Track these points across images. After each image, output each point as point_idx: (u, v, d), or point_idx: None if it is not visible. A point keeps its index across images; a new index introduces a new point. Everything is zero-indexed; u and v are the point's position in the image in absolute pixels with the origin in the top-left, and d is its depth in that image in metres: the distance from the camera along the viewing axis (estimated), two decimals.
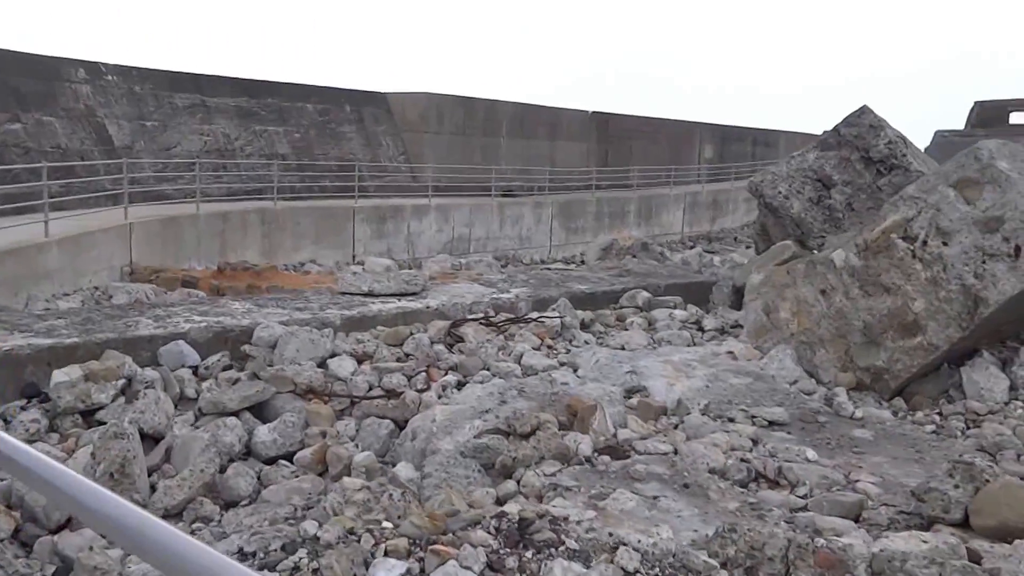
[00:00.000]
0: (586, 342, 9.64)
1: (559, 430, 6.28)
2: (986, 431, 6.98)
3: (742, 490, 5.36)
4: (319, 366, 8.16)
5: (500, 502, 5.28)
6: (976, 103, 47.72)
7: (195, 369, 8.15)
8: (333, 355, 8.40)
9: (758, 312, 9.50)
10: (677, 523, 4.74)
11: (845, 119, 12.82)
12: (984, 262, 7.94)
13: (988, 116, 46.15)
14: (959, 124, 47.53)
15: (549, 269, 14.21)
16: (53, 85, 19.74)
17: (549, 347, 9.28)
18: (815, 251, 12.15)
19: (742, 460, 5.84)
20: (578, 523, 4.64)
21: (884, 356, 8.22)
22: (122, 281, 14.44)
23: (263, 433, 6.99)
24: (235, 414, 7.24)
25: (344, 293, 10.54)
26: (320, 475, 6.57)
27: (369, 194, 23.04)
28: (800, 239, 12.64)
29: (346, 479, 5.96)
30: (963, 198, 8.17)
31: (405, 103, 27.68)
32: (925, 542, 4.53)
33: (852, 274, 8.66)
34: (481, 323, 9.46)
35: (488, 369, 8.29)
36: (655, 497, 5.17)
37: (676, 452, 6.12)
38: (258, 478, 6.45)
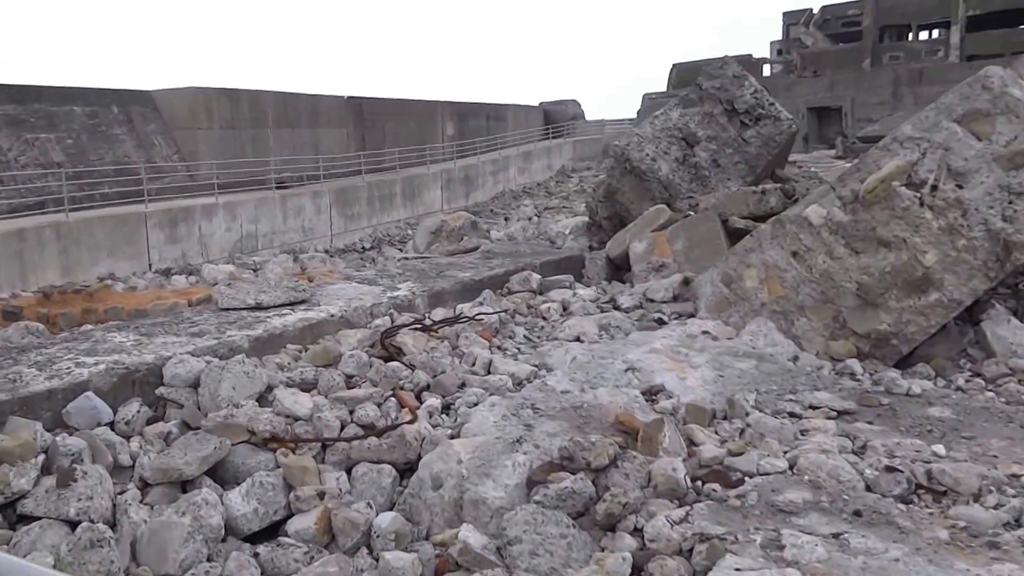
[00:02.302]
0: (526, 337, 8.27)
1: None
2: None
3: (928, 509, 4.27)
4: (260, 404, 6.39)
5: (638, 568, 3.93)
6: (674, 65, 49.60)
7: (111, 425, 6.17)
8: (270, 388, 6.63)
9: (716, 284, 8.29)
10: (904, 571, 3.60)
11: (705, 72, 11.91)
12: (1012, 202, 6.86)
13: (686, 76, 48.03)
14: (661, 87, 49.10)
15: (406, 260, 12.62)
16: None
17: (499, 348, 7.85)
18: (691, 212, 11.27)
19: (888, 469, 4.75)
20: None
21: (889, 319, 7.11)
22: None
23: (237, 502, 5.19)
24: (192, 481, 5.43)
25: (227, 309, 8.62)
26: (325, 547, 4.95)
27: (152, 198, 20.19)
28: (667, 201, 11.67)
29: (389, 556, 4.42)
30: (973, 133, 7.15)
31: (172, 100, 24.66)
32: None
33: (835, 231, 7.48)
34: (414, 329, 7.89)
35: (466, 384, 6.77)
36: (836, 535, 3.98)
37: (792, 467, 4.95)
38: (260, 568, 4.72)
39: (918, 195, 7.34)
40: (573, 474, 4.73)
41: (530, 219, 26.67)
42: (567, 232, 15.55)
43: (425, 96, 40.17)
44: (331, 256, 19.57)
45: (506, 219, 28.68)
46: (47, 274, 16.01)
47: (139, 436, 6.06)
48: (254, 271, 16.76)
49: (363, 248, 23.87)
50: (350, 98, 32.21)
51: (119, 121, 23.06)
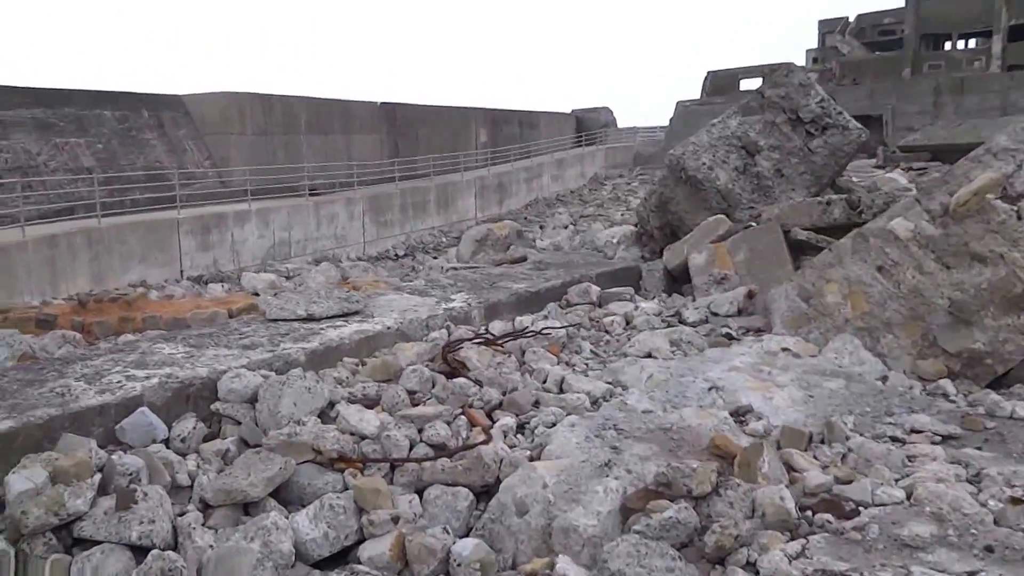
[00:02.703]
0: (593, 352, 8.00)
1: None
2: None
3: None
4: (323, 421, 6.17)
5: None
6: (709, 73, 49.31)
7: (166, 442, 5.96)
8: (331, 404, 6.40)
9: (792, 299, 8.00)
10: None
11: (770, 80, 11.64)
12: None
13: (721, 84, 47.73)
14: (694, 94, 48.77)
15: (455, 270, 12.41)
16: None
17: (568, 363, 7.59)
18: (752, 223, 10.97)
19: (1013, 501, 4.44)
20: None
21: (984, 337, 6.76)
22: None
23: (305, 526, 4.94)
24: (255, 503, 5.21)
25: (276, 320, 8.41)
26: (399, 575, 4.70)
27: (183, 204, 20.10)
28: (725, 211, 11.38)
29: None
30: None
31: (204, 105, 24.65)
32: None
33: (924, 245, 7.17)
34: (477, 343, 7.64)
35: (540, 403, 6.51)
36: (971, 574, 3.71)
37: (909, 497, 4.67)
38: None
39: (1015, 208, 7.04)
40: (671, 501, 4.46)
41: (566, 227, 26.50)
42: (615, 241, 15.32)
43: (458, 102, 40.04)
44: (370, 264, 19.41)
45: (541, 227, 28.50)
46: (78, 281, 15.95)
47: (195, 454, 5.84)
48: (287, 279, 16.64)
49: (396, 256, 23.76)
50: (383, 104, 32.17)
51: (150, 126, 23.06)
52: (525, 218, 33.04)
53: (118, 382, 6.40)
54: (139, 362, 6.97)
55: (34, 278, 14.71)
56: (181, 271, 18.47)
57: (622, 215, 28.57)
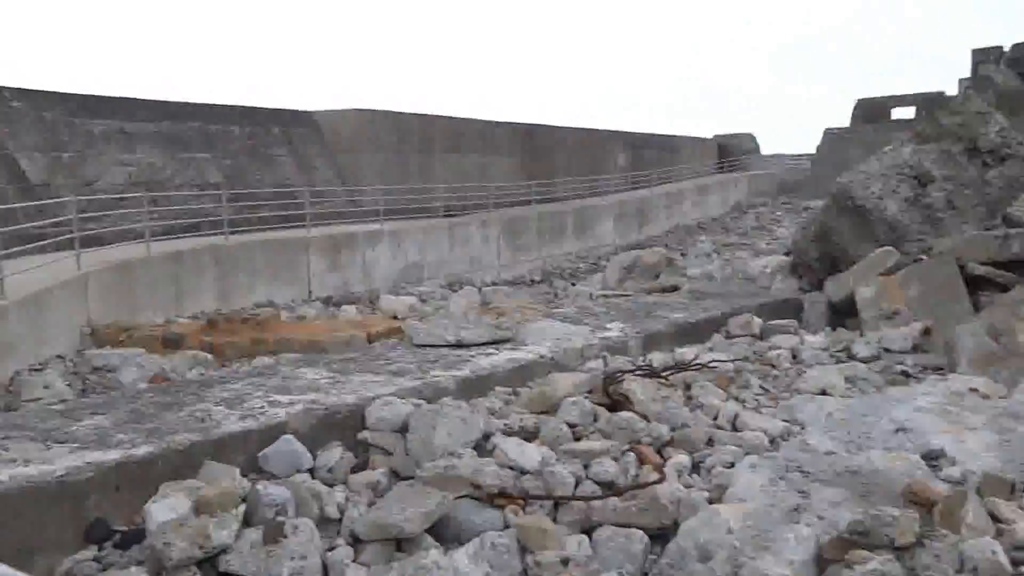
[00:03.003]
0: (763, 387, 7.69)
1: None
2: None
3: None
4: (478, 453, 5.99)
5: None
6: (859, 101, 48.13)
7: (311, 472, 5.88)
8: (486, 436, 6.23)
9: (980, 337, 7.67)
10: None
11: (947, 107, 11.24)
12: None
13: (871, 112, 46.52)
14: (845, 122, 47.85)
15: (606, 297, 12.21)
16: None
17: (737, 399, 7.30)
18: (922, 256, 10.59)
19: None
20: None
21: None
22: (83, 344, 11.80)
23: (465, 565, 4.75)
24: (411, 539, 5.04)
25: (423, 346, 8.33)
26: None
27: (313, 223, 20.48)
28: (892, 243, 11.02)
29: None
30: None
31: (335, 122, 25.23)
32: None
33: None
34: (640, 375, 7.39)
35: (713, 441, 6.25)
36: None
37: None
38: None
39: None
40: (870, 551, 4.16)
41: (708, 255, 26.08)
42: (768, 271, 14.97)
43: (597, 125, 39.98)
44: (511, 289, 19.37)
45: (683, 255, 28.14)
46: (203, 299, 16.35)
47: (343, 485, 5.75)
48: (422, 302, 16.74)
49: (532, 281, 23.70)
50: (520, 125, 32.40)
51: (279, 142, 23.71)
52: (666, 245, 32.58)
53: (260, 408, 6.39)
54: (281, 387, 6.97)
55: (158, 295, 15.13)
56: (309, 291, 18.80)
57: (767, 244, 28.06)
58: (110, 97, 20.56)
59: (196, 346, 11.14)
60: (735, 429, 6.54)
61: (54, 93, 19.37)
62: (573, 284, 22.07)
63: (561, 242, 28.62)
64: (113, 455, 5.37)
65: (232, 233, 18.01)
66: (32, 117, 18.46)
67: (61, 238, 13.51)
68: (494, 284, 22.50)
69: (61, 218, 14.53)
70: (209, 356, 10.31)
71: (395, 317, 12.72)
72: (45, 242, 13.06)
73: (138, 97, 21.16)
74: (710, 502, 5.13)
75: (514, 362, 7.74)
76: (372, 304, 17.58)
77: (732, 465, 5.66)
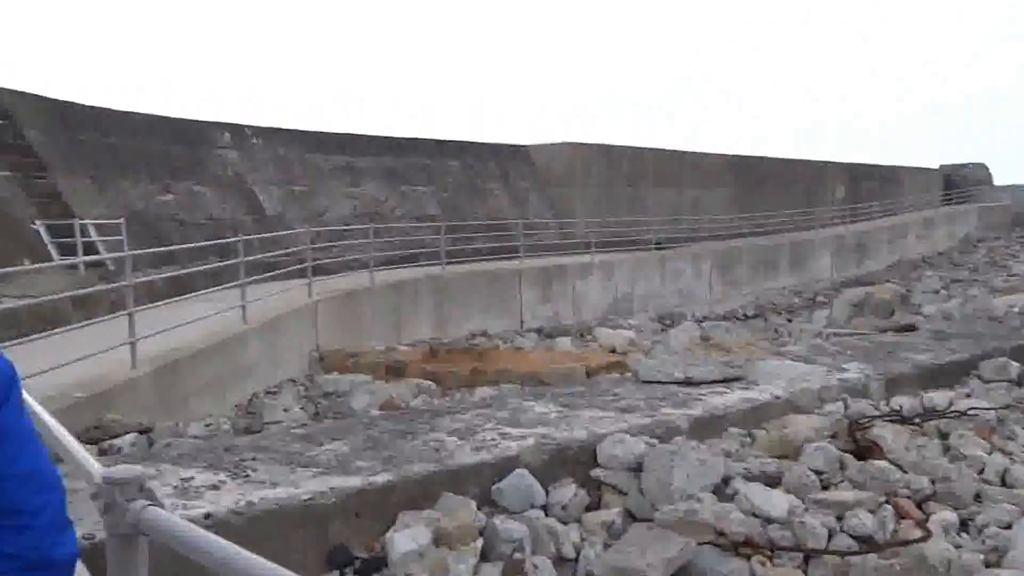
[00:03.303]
0: None
1: None
2: None
3: None
4: (717, 498, 5.70)
5: None
6: None
7: (544, 509, 5.75)
8: (725, 480, 5.93)
9: None
10: None
11: None
12: None
13: None
14: None
15: (837, 335, 11.65)
16: (200, 151, 17.86)
17: (1003, 451, 6.69)
18: None
19: None
20: None
21: None
22: (312, 369, 12.22)
23: None
24: None
25: (649, 382, 8.10)
26: None
27: (523, 255, 20.63)
28: None
29: None
30: None
31: (548, 156, 25.48)
32: None
33: None
34: (890, 421, 6.91)
35: (982, 496, 5.73)
36: None
37: None
38: None
39: None
40: None
41: (936, 292, 24.72)
42: (1016, 310, 13.93)
43: (812, 156, 38.81)
44: (732, 324, 18.87)
45: (907, 291, 26.79)
46: (421, 328, 16.71)
47: (577, 523, 5.58)
48: (639, 333, 16.49)
49: (745, 316, 23.06)
50: (732, 157, 31.79)
51: (494, 176, 24.12)
52: (887, 280, 31.13)
53: (492, 440, 6.31)
54: (511, 420, 6.89)
55: (380, 323, 15.55)
56: (521, 322, 18.93)
57: (1004, 281, 26.24)
58: (338, 134, 21.49)
59: (418, 374, 11.31)
60: (1005, 485, 5.96)
61: (289, 131, 20.41)
62: (789, 320, 21.33)
63: (775, 276, 27.75)
64: (354, 481, 5.39)
65: (448, 264, 18.37)
66: (269, 153, 19.51)
67: (292, 268, 14.09)
68: (705, 319, 22.00)
69: (294, 249, 15.18)
70: (432, 385, 10.43)
71: (613, 351, 12.56)
72: (278, 271, 13.65)
73: (363, 134, 22.02)
74: (987, 565, 4.67)
75: (748, 402, 7.38)
76: (583, 336, 17.49)
77: (1009, 526, 5.14)
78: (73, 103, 15.96)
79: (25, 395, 1.45)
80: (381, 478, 5.49)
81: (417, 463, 5.77)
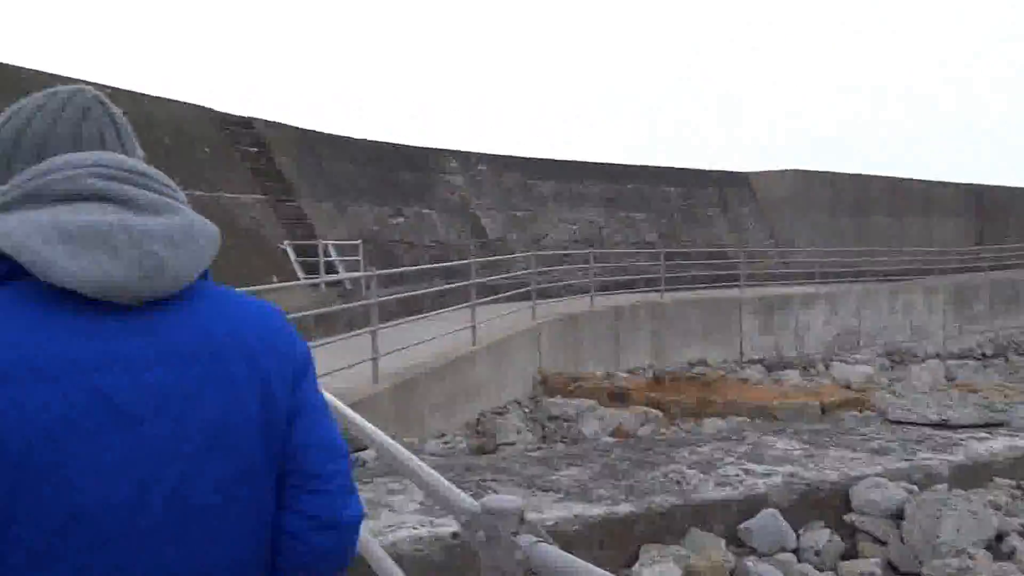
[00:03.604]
0: None
1: None
2: None
3: None
4: (992, 555, 5.21)
5: None
6: None
7: (795, 552, 5.42)
8: (999, 536, 5.42)
9: None
10: None
11: None
12: None
13: None
14: None
15: None
16: (429, 177, 18.37)
17: None
18: None
19: None
20: None
21: None
22: (534, 391, 12.22)
23: None
24: None
25: (899, 422, 7.58)
26: None
27: (743, 283, 20.02)
28: None
29: None
30: None
31: (769, 183, 24.78)
32: None
33: None
34: None
35: None
36: None
37: None
38: None
39: None
40: None
41: None
42: None
43: None
44: (979, 364, 17.71)
45: None
46: (639, 354, 16.49)
47: (832, 572, 5.22)
48: (888, 368, 15.69)
49: (982, 355, 21.55)
50: (969, 186, 29.96)
51: (712, 203, 23.67)
52: None
53: (736, 475, 6.02)
54: (752, 455, 6.57)
55: (599, 348, 15.44)
56: (740, 352, 18.38)
57: None
58: (559, 161, 21.68)
59: (642, 402, 11.11)
60: None
61: (513, 158, 20.76)
62: None
63: (1016, 313, 25.83)
64: (597, 510, 5.25)
65: (666, 291, 18.09)
66: (493, 180, 19.86)
67: (513, 292, 14.17)
68: (938, 356, 20.68)
69: (518, 273, 15.32)
70: (659, 413, 10.19)
71: (847, 386, 11.93)
72: (499, 295, 13.76)
73: (583, 161, 22.11)
74: None
75: (1016, 450, 6.76)
76: (807, 369, 16.81)
77: None
78: (317, 132, 16.85)
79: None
80: (623, 508, 5.34)
81: (659, 494, 5.58)
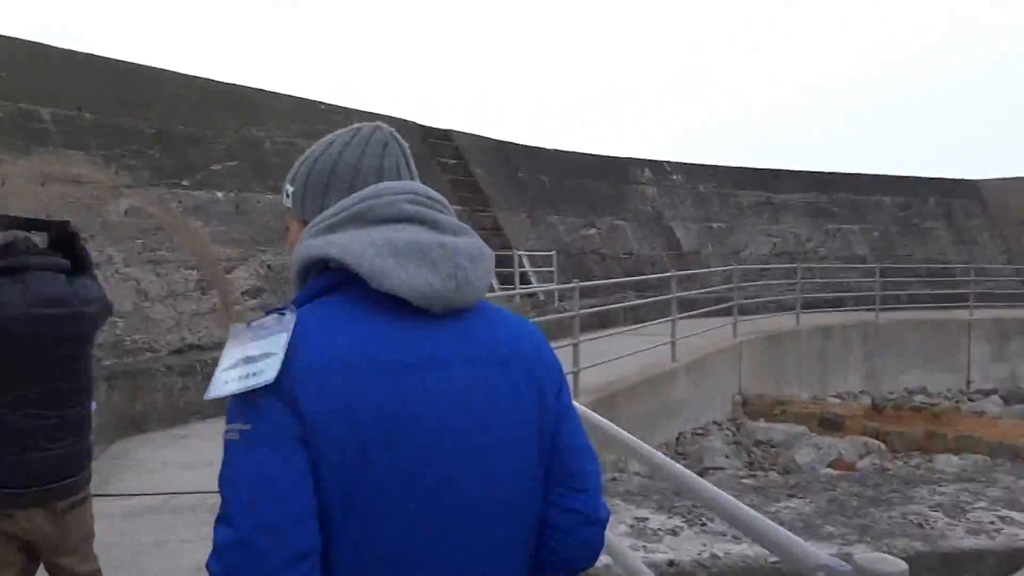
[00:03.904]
0: None
1: None
2: None
3: None
4: None
5: None
6: None
7: None
8: None
9: None
10: None
11: None
12: None
13: None
14: None
15: None
16: (621, 187, 17.80)
17: None
18: None
19: None
20: None
21: None
22: (734, 413, 11.39)
23: None
24: None
25: None
26: None
27: (972, 303, 18.28)
28: None
29: None
30: None
31: (1005, 192, 22.73)
32: None
33: None
34: None
35: None
36: None
37: None
38: None
39: None
40: None
41: None
42: None
43: None
44: None
45: None
46: (849, 378, 15.40)
47: None
48: None
49: None
50: None
51: (935, 214, 21.99)
52: None
53: (991, 523, 5.14)
54: (1008, 500, 5.63)
55: (804, 370, 14.43)
56: (968, 381, 16.83)
57: None
58: (759, 169, 20.68)
59: (859, 431, 10.13)
60: None
61: (709, 167, 19.96)
62: None
63: None
64: (828, 550, 4.54)
65: (881, 310, 16.78)
66: (687, 190, 19.10)
67: (711, 307, 13.32)
68: None
69: (716, 287, 14.51)
70: (881, 445, 9.21)
71: None
72: (695, 310, 12.96)
73: (786, 169, 21.01)
74: None
75: None
76: None
77: None
78: (511, 143, 16.68)
79: None
80: (857, 549, 4.61)
81: (899, 537, 4.80)
